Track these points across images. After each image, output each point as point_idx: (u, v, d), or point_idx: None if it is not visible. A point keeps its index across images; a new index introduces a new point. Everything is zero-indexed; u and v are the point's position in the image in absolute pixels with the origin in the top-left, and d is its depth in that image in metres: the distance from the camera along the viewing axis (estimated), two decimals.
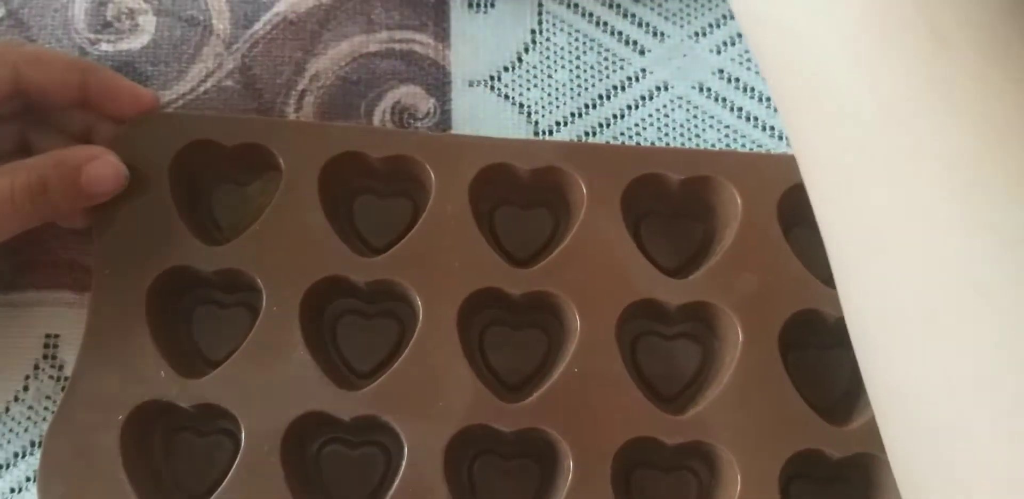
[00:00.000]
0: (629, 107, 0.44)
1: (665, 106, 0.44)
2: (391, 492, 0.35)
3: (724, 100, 0.44)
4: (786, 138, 0.43)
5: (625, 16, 0.46)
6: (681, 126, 0.44)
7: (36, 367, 0.40)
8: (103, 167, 0.37)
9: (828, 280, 0.38)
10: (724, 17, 0.46)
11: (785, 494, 0.36)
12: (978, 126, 0.24)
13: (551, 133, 0.44)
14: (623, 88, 0.45)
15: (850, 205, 0.27)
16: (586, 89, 0.45)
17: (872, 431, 0.36)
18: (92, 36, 0.45)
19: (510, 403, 0.37)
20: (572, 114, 0.44)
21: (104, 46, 0.44)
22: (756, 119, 0.44)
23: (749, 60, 0.45)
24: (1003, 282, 0.23)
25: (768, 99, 0.44)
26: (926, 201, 0.24)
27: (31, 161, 0.36)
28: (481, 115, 0.44)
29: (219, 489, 0.36)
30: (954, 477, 0.24)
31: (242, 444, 0.36)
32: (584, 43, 0.45)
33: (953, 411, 0.24)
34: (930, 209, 0.24)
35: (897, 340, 0.26)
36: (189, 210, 0.40)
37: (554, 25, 0.45)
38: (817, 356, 0.40)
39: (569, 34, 0.45)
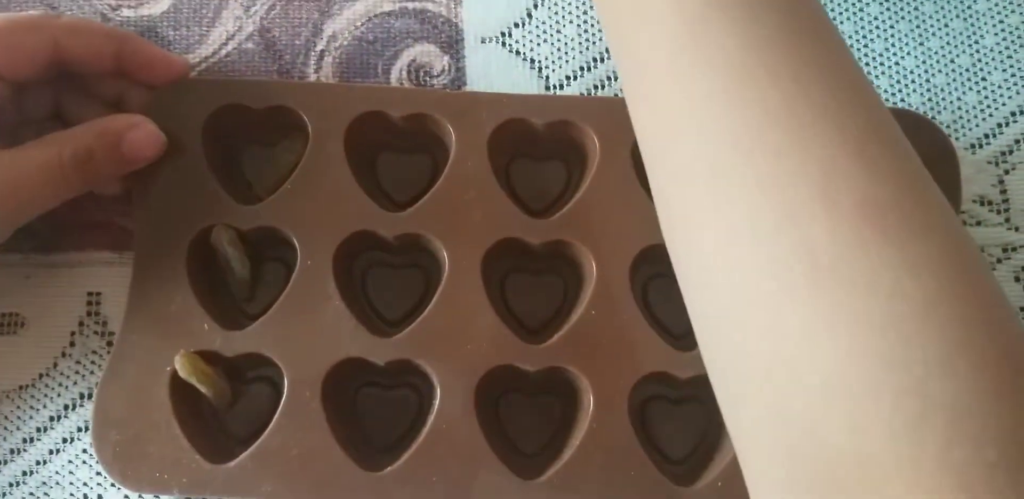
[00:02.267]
0: None
1: None
2: (426, 429, 0.38)
3: None
4: None
5: None
6: None
7: (81, 324, 0.43)
8: (143, 134, 0.39)
9: None
10: None
11: None
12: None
13: (561, 87, 0.46)
14: None
15: (652, 104, 0.32)
16: (594, 43, 0.46)
17: None
18: (113, 2, 0.46)
19: (533, 345, 0.39)
20: (581, 68, 0.46)
21: (125, 12, 0.46)
22: None
23: None
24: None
25: None
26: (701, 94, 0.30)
27: (75, 131, 0.38)
28: (494, 71, 0.46)
29: (265, 433, 0.38)
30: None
31: (285, 390, 0.39)
32: None
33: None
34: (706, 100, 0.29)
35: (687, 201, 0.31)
36: (222, 171, 0.42)
37: None
38: None
39: None
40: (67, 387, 0.42)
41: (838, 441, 0.26)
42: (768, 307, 0.27)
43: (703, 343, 0.32)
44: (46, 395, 0.42)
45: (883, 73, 0.46)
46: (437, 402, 0.38)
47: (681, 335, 0.42)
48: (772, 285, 0.27)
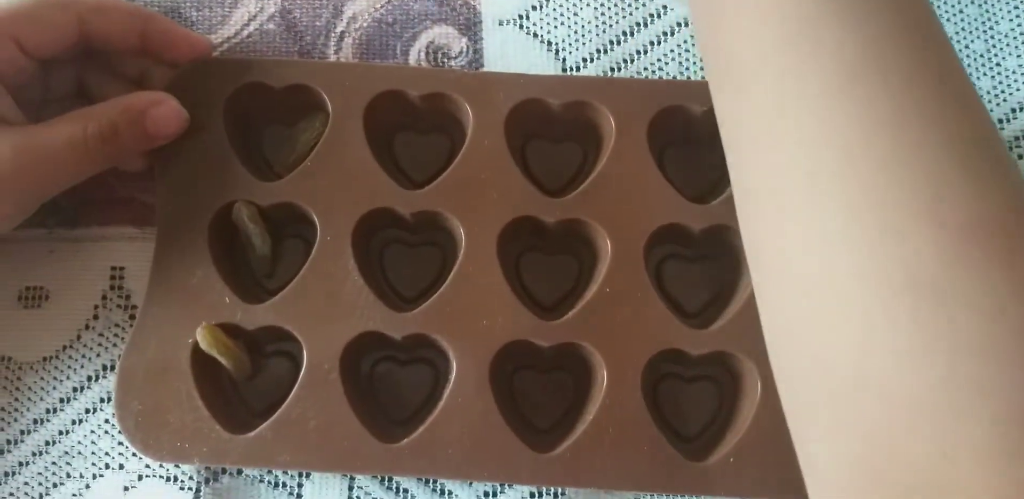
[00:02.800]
0: (651, 43, 0.46)
1: (686, 41, 0.46)
2: (442, 402, 0.39)
3: None
4: None
5: None
6: (701, 60, 0.46)
7: (104, 297, 0.44)
8: (167, 111, 0.40)
9: None
10: None
11: None
12: None
13: (578, 69, 0.46)
14: (645, 24, 0.47)
15: (750, 101, 0.31)
16: (610, 26, 0.47)
17: None
18: None
19: (548, 321, 0.40)
20: (598, 50, 0.46)
21: None
22: None
23: None
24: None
25: None
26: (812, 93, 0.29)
27: (99, 108, 0.39)
28: (511, 53, 0.46)
29: (284, 404, 0.39)
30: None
31: (304, 363, 0.39)
32: None
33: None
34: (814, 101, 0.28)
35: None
36: (242, 149, 0.43)
37: None
38: None
39: None
40: (90, 359, 0.43)
41: (921, 464, 0.25)
42: (859, 320, 0.26)
43: (775, 346, 0.31)
44: (69, 367, 0.43)
45: None
46: (453, 376, 0.39)
47: (694, 313, 0.42)
48: (866, 298, 0.26)
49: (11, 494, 0.41)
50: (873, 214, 0.27)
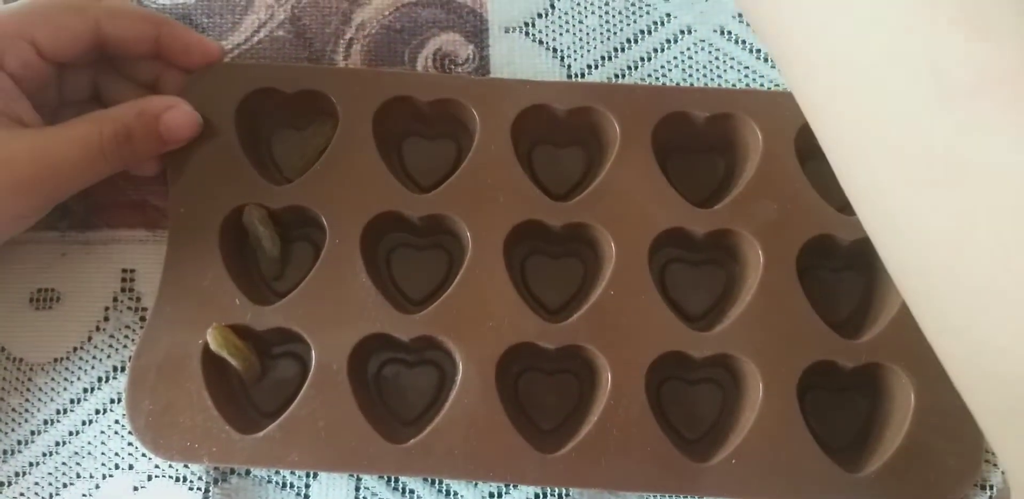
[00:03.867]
0: (655, 50, 0.47)
1: (689, 48, 0.47)
2: (448, 403, 0.39)
3: (744, 42, 0.47)
4: None
5: None
6: (704, 67, 0.47)
7: (115, 299, 0.44)
8: (180, 115, 0.40)
9: (843, 208, 0.42)
10: None
11: (801, 402, 0.39)
12: None
13: (583, 76, 0.47)
14: (649, 32, 0.47)
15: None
16: (615, 33, 0.47)
17: (881, 343, 0.40)
18: None
19: (553, 323, 0.40)
20: (602, 57, 0.47)
21: (161, 0, 0.47)
22: (773, 59, 0.47)
23: None
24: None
25: None
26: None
27: (114, 111, 0.39)
28: (517, 60, 0.47)
29: (293, 404, 0.39)
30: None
31: (312, 364, 0.40)
32: None
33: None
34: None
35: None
36: (253, 153, 0.43)
37: None
38: (830, 277, 0.44)
39: None
40: (101, 360, 0.43)
41: None
42: None
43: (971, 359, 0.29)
44: (80, 367, 0.43)
45: None
46: (459, 378, 0.40)
47: (697, 316, 0.43)
48: None
49: (21, 494, 0.42)
50: None
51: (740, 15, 0.47)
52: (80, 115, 0.39)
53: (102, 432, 0.42)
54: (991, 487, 0.40)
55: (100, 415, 0.43)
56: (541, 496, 0.42)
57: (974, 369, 0.28)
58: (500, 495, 0.42)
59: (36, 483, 0.42)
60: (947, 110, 0.26)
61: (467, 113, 0.43)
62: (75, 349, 0.43)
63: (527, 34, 0.47)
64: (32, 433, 0.42)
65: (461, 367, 0.40)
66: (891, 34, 0.27)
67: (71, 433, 0.42)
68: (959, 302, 0.27)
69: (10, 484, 0.42)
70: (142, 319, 0.44)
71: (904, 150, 0.27)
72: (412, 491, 0.42)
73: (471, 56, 0.47)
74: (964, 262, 0.26)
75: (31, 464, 0.42)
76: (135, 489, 0.42)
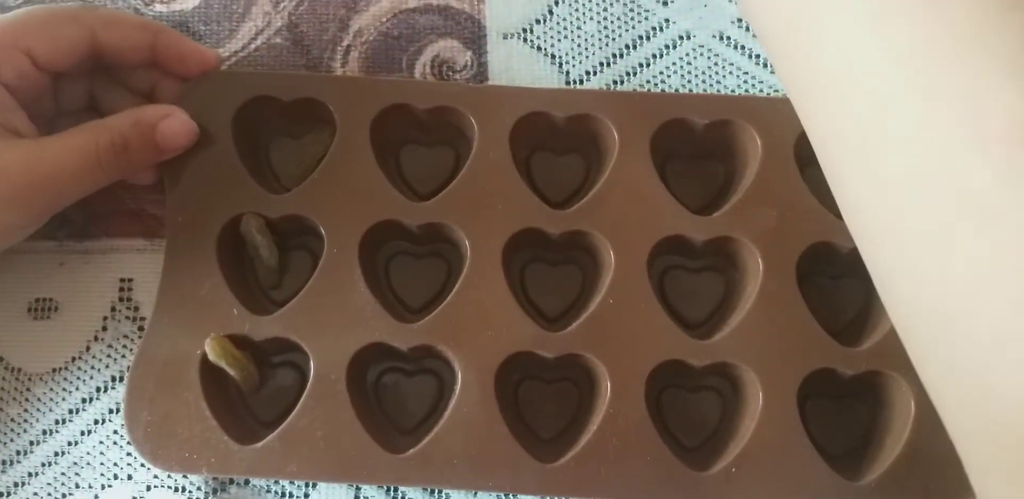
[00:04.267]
0: (654, 56, 0.47)
1: (688, 54, 0.47)
2: (447, 412, 0.39)
3: (743, 48, 0.47)
4: None
5: None
6: (703, 73, 0.47)
7: (113, 309, 0.44)
8: (176, 124, 0.40)
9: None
10: None
11: (801, 410, 0.39)
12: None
13: (581, 82, 0.47)
14: (648, 38, 0.47)
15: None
16: (613, 39, 0.47)
17: (881, 351, 0.39)
18: None
19: (552, 332, 0.40)
20: (601, 63, 0.47)
21: (158, 7, 0.47)
22: (772, 65, 0.46)
23: None
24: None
25: None
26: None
27: (110, 120, 0.39)
28: (515, 66, 0.47)
29: (291, 414, 0.39)
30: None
31: (311, 374, 0.40)
32: None
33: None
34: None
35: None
36: (251, 162, 0.43)
37: None
38: (830, 284, 0.43)
39: None
40: (99, 370, 0.43)
41: None
42: None
43: (951, 381, 0.28)
44: (78, 378, 0.43)
45: None
46: (458, 387, 0.39)
47: (697, 324, 0.43)
48: None
49: None
50: None
51: (739, 20, 0.47)
52: (76, 125, 0.39)
53: (101, 442, 0.42)
54: None
55: (99, 425, 0.43)
56: None
57: (976, 415, 0.28)
58: None
59: (35, 494, 0.42)
60: (984, 157, 0.25)
61: (465, 120, 0.43)
62: (73, 359, 0.43)
63: (525, 40, 0.47)
64: (31, 443, 0.42)
65: (460, 376, 0.40)
66: (930, 71, 0.26)
67: (70, 443, 0.42)
68: (972, 348, 0.27)
69: (9, 494, 0.42)
70: (140, 329, 0.44)
71: (935, 194, 0.26)
72: None
73: (469, 63, 0.47)
74: (983, 308, 0.26)
75: (30, 474, 0.42)
76: None
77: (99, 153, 0.38)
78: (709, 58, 0.47)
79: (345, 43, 0.47)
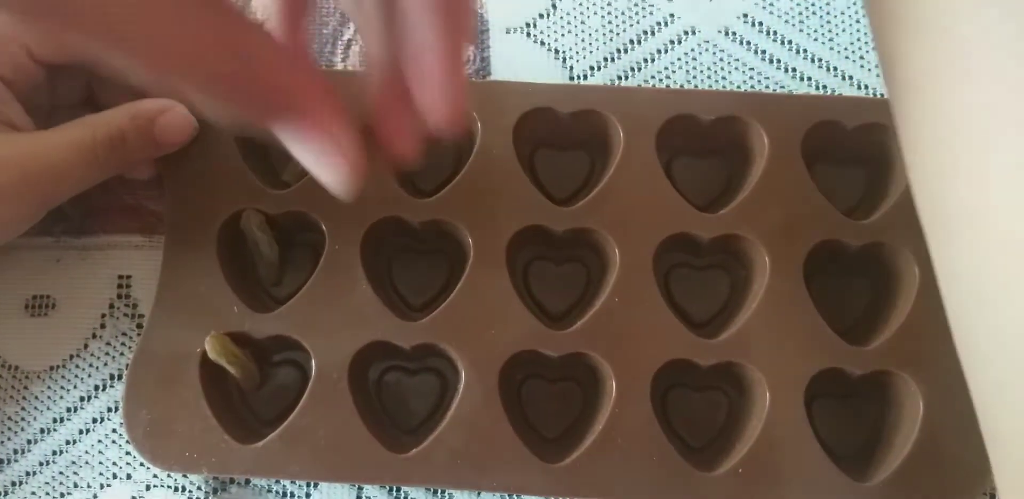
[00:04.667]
0: (658, 51, 0.46)
1: (693, 50, 0.46)
2: (450, 412, 0.39)
3: (748, 43, 0.46)
4: (808, 79, 0.46)
5: None
6: (708, 69, 0.46)
7: (111, 306, 0.43)
8: (175, 118, 0.40)
9: (850, 212, 0.41)
10: None
11: (808, 410, 0.39)
12: None
13: (585, 77, 0.46)
14: (652, 33, 0.47)
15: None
16: (617, 34, 0.47)
17: (889, 350, 0.39)
18: None
19: (556, 331, 0.40)
20: (605, 59, 0.46)
21: None
22: (779, 61, 0.46)
23: (772, 4, 0.47)
24: None
25: (790, 41, 0.46)
26: None
27: (107, 115, 0.39)
28: (518, 61, 0.46)
29: (292, 414, 0.39)
30: None
31: (312, 372, 0.39)
32: None
33: None
34: None
35: None
36: (251, 157, 0.43)
37: None
38: (837, 282, 0.43)
39: None
40: (97, 368, 0.43)
41: None
42: None
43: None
44: (76, 376, 0.43)
45: None
46: (461, 386, 0.39)
47: (702, 323, 0.42)
48: None
49: None
50: None
51: (745, 15, 0.47)
52: (73, 118, 0.38)
53: (99, 441, 0.42)
54: None
55: (97, 424, 0.42)
56: None
57: None
58: None
59: (33, 493, 0.41)
60: None
61: (467, 116, 0.42)
62: (71, 357, 0.43)
63: (528, 35, 0.47)
64: (28, 442, 0.42)
65: (463, 375, 0.39)
66: None
67: (68, 442, 0.42)
68: None
69: (6, 494, 0.41)
70: (139, 326, 0.43)
71: None
72: None
73: (471, 57, 0.46)
74: None
75: (27, 474, 0.42)
76: None
77: (96, 147, 0.37)
78: (714, 54, 0.46)
79: (346, 37, 0.46)
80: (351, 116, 0.29)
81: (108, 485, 0.41)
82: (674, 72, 0.46)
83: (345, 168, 0.29)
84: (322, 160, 0.29)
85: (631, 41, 0.46)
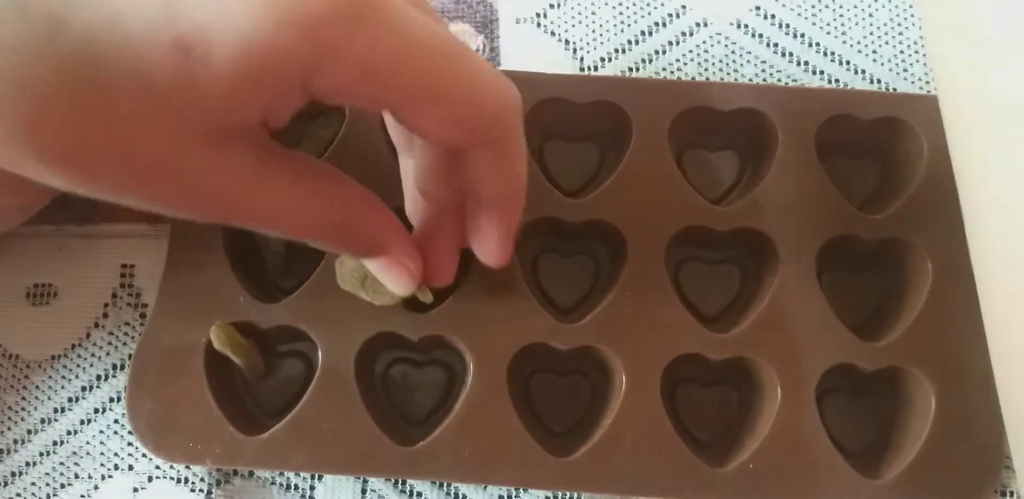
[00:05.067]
0: (670, 43, 0.46)
1: (704, 42, 0.46)
2: (458, 404, 0.38)
3: (761, 36, 0.46)
4: (821, 72, 0.45)
5: None
6: (720, 61, 0.46)
7: (114, 295, 0.43)
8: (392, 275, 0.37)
9: (863, 207, 0.41)
10: None
11: (820, 405, 0.39)
12: None
13: (595, 69, 0.46)
14: (664, 24, 0.46)
15: None
16: (628, 25, 0.46)
17: (901, 346, 0.39)
18: None
19: (566, 324, 0.39)
20: (616, 50, 0.46)
21: None
22: (791, 54, 0.46)
23: None
24: None
25: (802, 35, 0.46)
26: None
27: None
28: (528, 51, 0.46)
29: (298, 405, 0.38)
30: None
31: (319, 363, 0.39)
32: None
33: None
34: None
35: None
36: None
37: None
38: (850, 278, 0.43)
39: None
40: (100, 357, 0.42)
41: None
42: None
43: None
44: (78, 365, 0.42)
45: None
46: (469, 379, 0.38)
47: (714, 317, 0.42)
48: None
49: (18, 495, 0.41)
50: None
51: (758, 8, 0.46)
52: None
53: (101, 432, 0.41)
54: (1011, 493, 0.39)
55: (99, 414, 0.42)
56: None
57: None
58: (510, 498, 0.41)
59: (33, 484, 0.41)
60: None
61: None
62: (73, 346, 0.42)
63: (539, 25, 0.46)
64: (29, 432, 0.41)
65: (471, 367, 0.39)
66: None
67: (69, 433, 0.41)
68: None
69: (6, 484, 0.41)
70: (142, 316, 0.43)
71: None
72: (420, 494, 0.41)
73: (481, 48, 0.45)
74: None
75: (28, 464, 0.41)
76: (135, 490, 0.41)
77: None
78: (726, 46, 0.46)
79: None
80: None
81: (109, 476, 0.41)
82: (685, 64, 0.46)
83: (411, 281, 0.34)
84: (392, 277, 0.34)
85: (642, 32, 0.46)
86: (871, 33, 0.46)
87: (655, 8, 0.46)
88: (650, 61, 0.46)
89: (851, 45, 0.46)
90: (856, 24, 0.46)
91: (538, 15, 0.46)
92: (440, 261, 0.36)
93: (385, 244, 0.33)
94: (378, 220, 0.32)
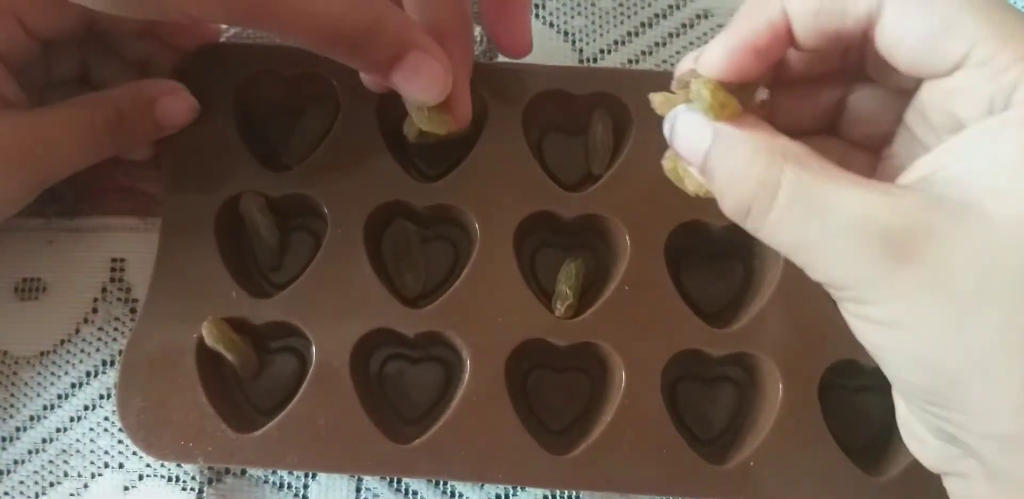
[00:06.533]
0: (670, 35, 0.45)
1: (705, 34, 0.45)
2: (455, 402, 0.38)
3: None
4: None
5: None
6: None
7: (104, 290, 0.42)
8: (177, 101, 0.38)
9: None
10: None
11: (822, 402, 0.38)
12: None
13: (595, 60, 0.45)
14: (664, 16, 0.45)
15: None
16: (628, 17, 0.45)
17: None
18: None
19: (565, 319, 0.39)
20: (616, 42, 0.45)
21: None
22: None
23: None
24: None
25: None
26: None
27: (107, 94, 0.37)
28: None
29: (292, 402, 0.38)
30: None
31: (313, 360, 0.38)
32: None
33: None
34: None
35: None
36: (251, 138, 0.41)
37: None
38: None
39: None
40: (89, 354, 0.41)
41: None
42: None
43: None
44: (68, 362, 0.41)
45: None
46: (466, 375, 0.38)
47: (714, 313, 0.41)
48: None
49: (6, 493, 0.40)
50: None
51: None
52: (68, 96, 0.37)
53: (91, 429, 0.41)
54: None
55: (89, 411, 0.41)
56: (551, 498, 0.40)
57: None
58: (507, 497, 0.40)
59: (21, 482, 0.40)
60: None
61: (476, 98, 0.41)
62: (62, 342, 0.42)
63: (537, 16, 0.45)
64: (17, 429, 0.41)
65: (468, 364, 0.38)
66: None
67: (58, 430, 0.41)
68: None
69: None
70: (132, 311, 0.42)
71: None
72: (416, 492, 0.40)
73: (479, 39, 0.45)
74: None
75: (16, 462, 0.40)
76: (125, 489, 0.40)
77: (96, 127, 0.36)
78: None
79: None
80: None
81: (99, 474, 0.40)
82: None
83: (445, 75, 0.35)
84: (425, 74, 0.35)
85: (642, 24, 0.45)
86: None
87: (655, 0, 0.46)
88: (650, 53, 0.45)
89: None
90: None
91: (537, 6, 0.46)
92: (458, 87, 0.37)
93: (411, 42, 0.34)
94: (405, 20, 0.34)
